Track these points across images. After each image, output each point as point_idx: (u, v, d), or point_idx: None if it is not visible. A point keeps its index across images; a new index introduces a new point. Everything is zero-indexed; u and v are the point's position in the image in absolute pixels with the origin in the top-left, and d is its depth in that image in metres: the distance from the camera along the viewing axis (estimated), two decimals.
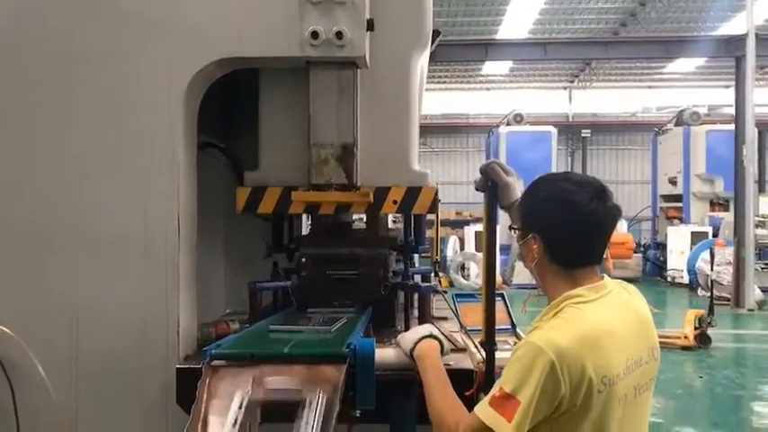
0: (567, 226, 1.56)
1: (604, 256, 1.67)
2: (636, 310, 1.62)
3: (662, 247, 17.06)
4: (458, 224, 19.15)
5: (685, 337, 9.43)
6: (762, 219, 15.39)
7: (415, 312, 2.73)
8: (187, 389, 1.89)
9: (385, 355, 1.86)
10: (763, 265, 14.42)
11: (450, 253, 15.03)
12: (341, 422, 1.81)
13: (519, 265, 14.88)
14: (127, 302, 2.28)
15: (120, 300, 2.29)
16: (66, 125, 2.34)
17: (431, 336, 1.84)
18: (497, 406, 1.44)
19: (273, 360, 1.82)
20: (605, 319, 1.52)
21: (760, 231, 14.24)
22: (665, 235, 16.76)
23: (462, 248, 15.65)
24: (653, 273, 16.96)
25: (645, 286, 15.77)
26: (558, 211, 1.56)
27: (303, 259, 2.61)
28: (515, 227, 1.69)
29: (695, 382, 8.36)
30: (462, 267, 14.56)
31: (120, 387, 2.26)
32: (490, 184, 1.95)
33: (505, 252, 15.24)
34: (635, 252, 17.07)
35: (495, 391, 1.48)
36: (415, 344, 1.80)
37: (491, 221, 2.07)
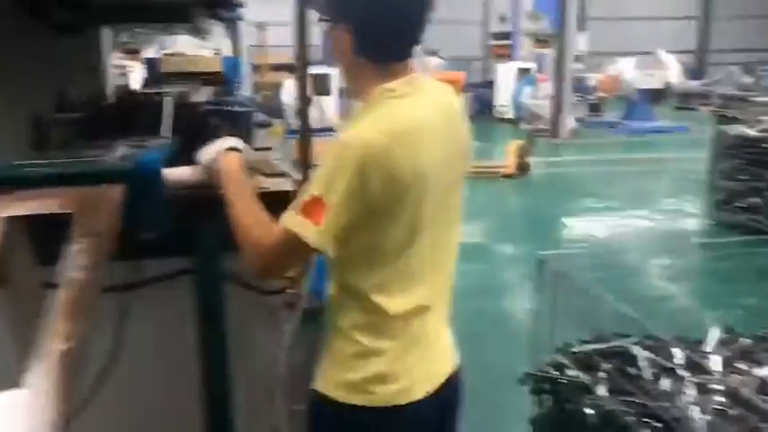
0: (375, 13, 1.44)
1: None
2: (448, 107, 1.56)
3: (491, 84, 17.78)
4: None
5: (508, 166, 10.14)
6: (579, 54, 16.40)
7: None
8: None
9: (179, 171, 1.69)
10: (578, 98, 15.60)
11: (286, 98, 14.62)
12: (131, 258, 1.66)
13: None
14: None
15: None
16: None
17: (236, 150, 1.67)
18: (305, 212, 1.37)
19: (32, 183, 1.57)
20: (418, 113, 1.46)
21: (576, 66, 15.23)
22: (495, 73, 17.44)
23: None
24: (482, 110, 17.76)
25: (475, 122, 16.59)
26: None
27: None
28: (324, 18, 1.53)
29: (513, 206, 9.13)
30: None
31: None
32: None
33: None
34: (465, 91, 17.70)
35: (303, 197, 1.40)
36: (216, 156, 1.63)
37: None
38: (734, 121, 7.44)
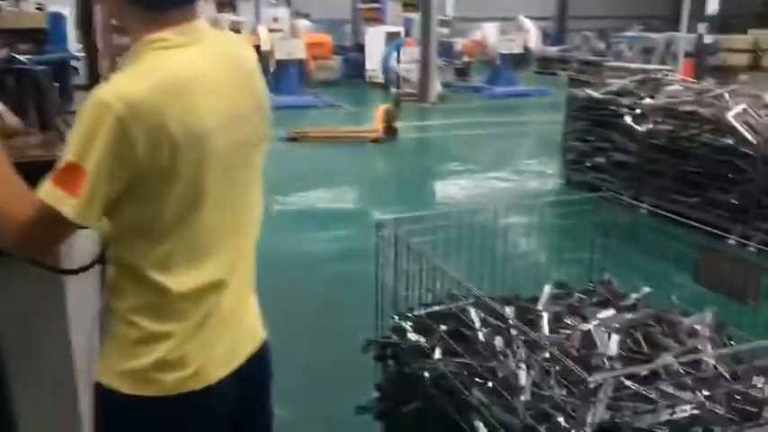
0: None
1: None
2: (237, 59, 1.41)
3: (361, 48, 17.65)
4: None
5: (375, 131, 10.14)
6: (445, 18, 16.63)
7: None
8: None
9: None
10: (444, 62, 15.85)
11: None
12: None
13: None
14: None
15: None
16: None
17: None
18: (61, 181, 1.19)
19: None
20: (193, 64, 1.29)
21: (443, 30, 15.42)
22: (365, 37, 17.31)
23: None
24: (353, 74, 17.62)
25: (346, 87, 16.51)
26: None
27: None
28: None
29: (380, 170, 9.16)
30: None
31: None
32: None
33: None
34: (336, 54, 17.49)
35: (58, 164, 1.21)
36: None
37: None
38: (585, 84, 7.83)
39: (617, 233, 3.15)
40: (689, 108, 6.22)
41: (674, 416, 1.74)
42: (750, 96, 6.35)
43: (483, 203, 7.04)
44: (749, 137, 5.50)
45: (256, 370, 1.53)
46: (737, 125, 5.62)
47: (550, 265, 3.18)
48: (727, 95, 6.30)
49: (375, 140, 10.09)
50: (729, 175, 5.71)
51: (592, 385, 1.49)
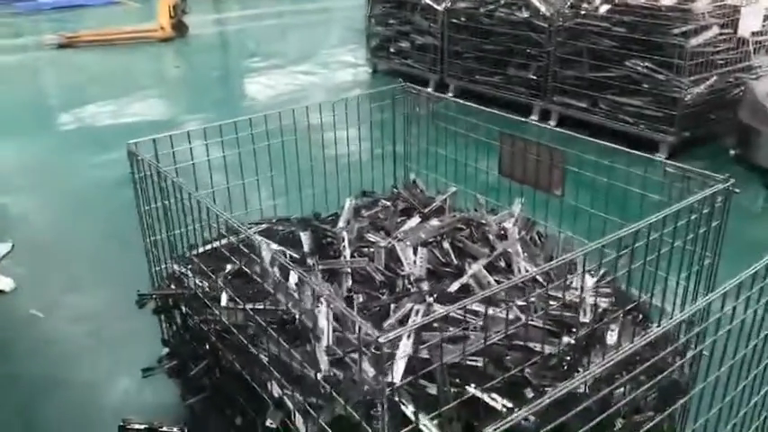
0: None
1: None
2: None
3: None
4: None
5: (162, 29, 9.03)
6: None
7: None
8: None
9: None
10: None
11: None
12: None
13: None
14: None
15: None
16: None
17: None
18: None
19: None
20: None
21: None
22: None
23: None
24: None
25: None
26: None
27: None
28: None
29: (173, 72, 8.22)
30: None
31: None
32: None
33: None
34: None
35: None
36: None
37: None
38: None
39: (421, 124, 2.88)
40: None
41: (489, 341, 1.51)
42: None
43: (284, 103, 6.54)
44: (542, 9, 5.45)
45: None
46: None
47: (360, 167, 2.83)
48: None
49: (164, 39, 9.01)
50: (527, 51, 5.68)
51: (385, 346, 1.19)
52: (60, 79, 7.90)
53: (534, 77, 5.71)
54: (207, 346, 2.03)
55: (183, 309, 2.15)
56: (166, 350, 2.39)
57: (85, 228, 4.14)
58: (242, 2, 12.21)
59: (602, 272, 1.91)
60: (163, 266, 2.29)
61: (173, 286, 2.18)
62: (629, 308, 1.83)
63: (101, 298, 3.33)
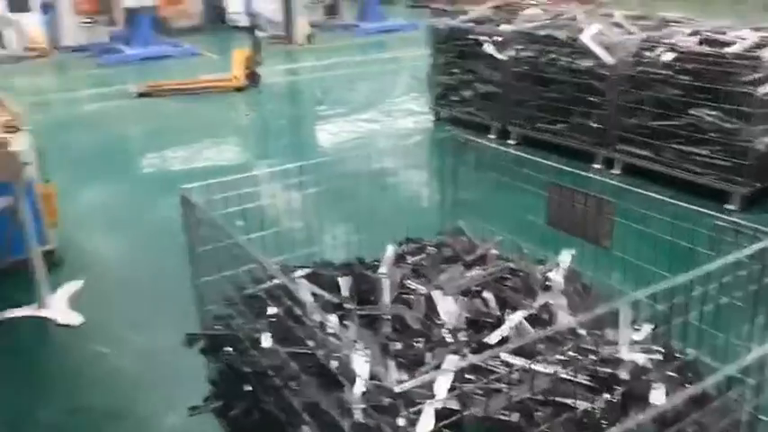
0: None
1: None
2: None
3: None
4: None
5: (236, 78, 9.44)
6: None
7: None
8: None
9: None
10: (313, 2, 15.09)
11: None
12: None
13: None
14: None
15: None
16: None
17: None
18: None
19: None
20: None
21: None
22: None
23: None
24: (215, 19, 16.50)
25: (209, 33, 15.41)
26: None
27: None
28: None
29: (244, 120, 8.55)
30: None
31: None
32: None
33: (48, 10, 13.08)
34: None
35: None
36: None
37: None
38: (444, 13, 7.49)
39: (479, 171, 2.88)
40: (543, 32, 6.05)
41: (518, 396, 1.48)
42: (603, 16, 6.26)
43: (347, 150, 6.70)
44: (605, 58, 5.41)
45: None
46: (593, 46, 5.51)
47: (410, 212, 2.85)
48: (580, 16, 6.19)
49: (238, 89, 9.41)
50: (590, 99, 5.63)
51: (398, 391, 1.19)
52: (140, 126, 8.35)
53: (596, 126, 5.64)
54: (248, 388, 2.07)
55: (228, 349, 2.21)
56: (213, 389, 2.45)
57: (152, 266, 4.31)
58: (314, 52, 12.63)
59: (644, 326, 1.85)
60: (211, 307, 2.36)
61: (218, 327, 2.24)
62: (675, 365, 1.76)
63: (160, 335, 3.45)
